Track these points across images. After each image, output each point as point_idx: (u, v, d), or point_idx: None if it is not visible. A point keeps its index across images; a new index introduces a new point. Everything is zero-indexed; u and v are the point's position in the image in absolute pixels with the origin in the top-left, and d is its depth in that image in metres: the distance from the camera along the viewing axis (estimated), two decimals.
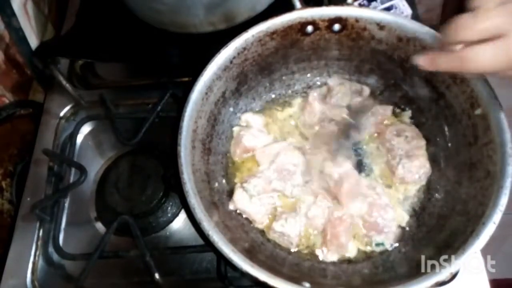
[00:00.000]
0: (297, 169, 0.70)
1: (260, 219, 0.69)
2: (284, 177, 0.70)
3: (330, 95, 0.76)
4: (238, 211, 0.69)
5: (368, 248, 0.67)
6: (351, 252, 0.67)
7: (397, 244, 0.67)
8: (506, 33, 0.44)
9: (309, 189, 0.70)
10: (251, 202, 0.68)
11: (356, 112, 0.73)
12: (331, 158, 0.70)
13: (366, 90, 0.76)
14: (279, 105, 0.78)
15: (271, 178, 0.70)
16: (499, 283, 0.75)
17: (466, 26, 0.46)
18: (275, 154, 0.71)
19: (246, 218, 0.69)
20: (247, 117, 0.76)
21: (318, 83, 0.79)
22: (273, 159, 0.71)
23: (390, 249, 0.66)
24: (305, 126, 0.76)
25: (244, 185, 0.69)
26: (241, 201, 0.68)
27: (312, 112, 0.75)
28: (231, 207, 0.68)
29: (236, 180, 0.72)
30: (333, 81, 0.77)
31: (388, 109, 0.75)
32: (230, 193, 0.70)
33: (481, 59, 0.46)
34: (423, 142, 0.71)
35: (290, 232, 0.66)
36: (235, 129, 0.75)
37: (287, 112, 0.78)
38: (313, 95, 0.76)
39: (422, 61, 0.52)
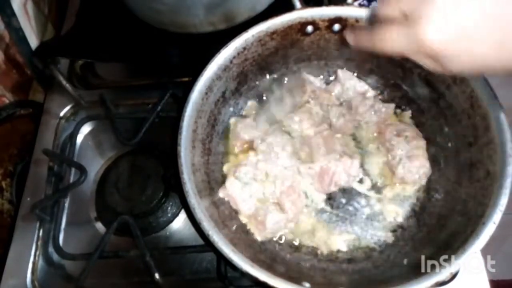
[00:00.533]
0: (284, 152, 0.71)
1: (246, 211, 0.68)
2: (270, 158, 0.70)
3: (335, 84, 0.76)
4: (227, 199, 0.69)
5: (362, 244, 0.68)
6: (340, 246, 0.68)
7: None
8: (410, 16, 0.45)
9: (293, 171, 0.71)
10: (242, 190, 0.68)
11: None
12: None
13: (371, 92, 0.76)
14: None
15: (257, 160, 0.70)
16: (499, 284, 0.75)
17: (389, 1, 0.47)
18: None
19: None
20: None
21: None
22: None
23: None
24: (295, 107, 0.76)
25: (236, 174, 0.69)
26: (232, 189, 0.68)
27: (302, 91, 0.76)
28: (220, 194, 0.68)
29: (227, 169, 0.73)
30: (343, 74, 0.77)
31: (390, 107, 0.75)
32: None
33: (387, 40, 0.48)
34: (423, 142, 0.71)
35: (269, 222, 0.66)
36: (232, 120, 0.75)
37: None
38: (305, 73, 0.77)
39: (348, 36, 0.57)
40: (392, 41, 0.48)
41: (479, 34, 0.43)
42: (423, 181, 0.70)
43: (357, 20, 0.67)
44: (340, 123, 0.73)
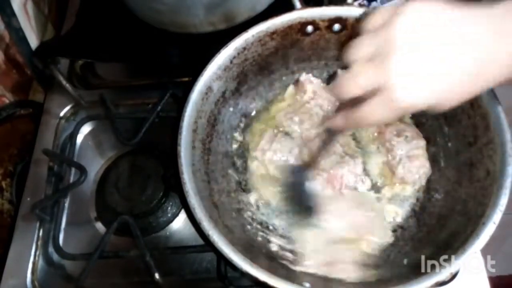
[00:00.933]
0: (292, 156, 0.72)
1: None
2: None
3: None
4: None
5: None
6: None
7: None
8: (380, 88, 0.45)
9: None
10: None
11: None
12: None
13: None
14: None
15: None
16: (500, 280, 0.75)
17: (347, 84, 0.47)
18: None
19: (246, 218, 0.69)
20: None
21: None
22: None
23: None
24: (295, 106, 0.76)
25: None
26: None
27: (303, 91, 0.76)
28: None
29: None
30: (343, 74, 0.76)
31: None
32: (230, 193, 0.70)
33: (369, 116, 0.47)
34: (423, 142, 0.71)
35: None
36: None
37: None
38: (304, 75, 0.77)
39: (328, 124, 0.56)
40: (373, 116, 0.47)
41: (450, 76, 0.44)
42: (423, 181, 0.70)
43: (357, 20, 0.67)
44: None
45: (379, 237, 0.67)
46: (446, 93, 0.45)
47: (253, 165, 0.74)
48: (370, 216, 0.69)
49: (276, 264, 0.63)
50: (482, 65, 0.44)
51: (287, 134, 0.74)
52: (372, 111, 0.47)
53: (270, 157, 0.72)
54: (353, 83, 0.47)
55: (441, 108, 0.46)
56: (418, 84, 0.44)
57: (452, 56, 0.43)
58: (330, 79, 0.79)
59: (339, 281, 0.62)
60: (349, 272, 0.62)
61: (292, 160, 0.71)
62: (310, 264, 0.64)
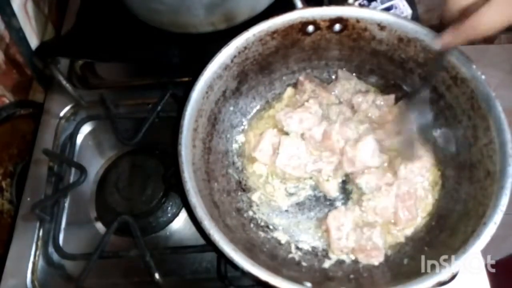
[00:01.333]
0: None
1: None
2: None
3: (335, 84, 0.76)
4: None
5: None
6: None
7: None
8: None
9: None
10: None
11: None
12: None
13: (372, 90, 0.76)
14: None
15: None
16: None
17: None
18: None
19: (246, 217, 0.69)
20: None
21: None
22: None
23: None
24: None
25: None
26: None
27: (302, 90, 0.76)
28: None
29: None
30: (342, 74, 0.77)
31: (391, 98, 0.75)
32: (230, 193, 0.70)
33: (489, 19, 0.48)
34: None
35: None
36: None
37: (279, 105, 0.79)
38: (303, 75, 0.77)
39: (438, 42, 0.56)
40: (493, 19, 0.48)
41: None
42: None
43: (358, 21, 0.67)
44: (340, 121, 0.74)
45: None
46: None
47: (253, 165, 0.74)
48: None
49: (277, 264, 0.63)
50: None
51: (287, 133, 0.75)
52: (491, 13, 0.47)
53: (274, 158, 0.72)
54: None
55: None
56: None
57: None
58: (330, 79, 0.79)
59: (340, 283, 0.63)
60: None
61: (298, 159, 0.72)
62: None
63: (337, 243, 0.66)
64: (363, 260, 0.65)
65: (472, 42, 0.61)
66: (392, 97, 0.75)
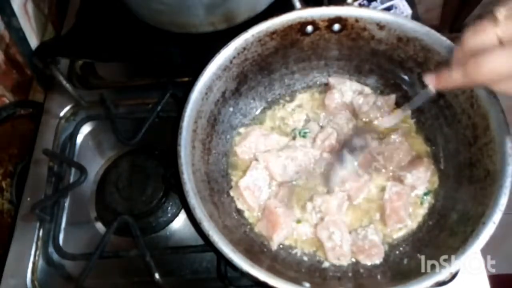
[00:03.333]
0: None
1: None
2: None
3: (331, 92, 0.76)
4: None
5: None
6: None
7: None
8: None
9: None
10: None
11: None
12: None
13: (367, 90, 0.76)
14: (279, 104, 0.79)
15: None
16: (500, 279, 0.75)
17: (485, 29, 0.46)
18: None
19: (246, 218, 0.69)
20: None
21: (318, 83, 0.79)
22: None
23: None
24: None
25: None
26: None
27: (331, 97, 0.76)
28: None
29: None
30: (333, 80, 0.77)
31: (391, 98, 0.74)
32: (230, 193, 0.71)
33: (495, 63, 0.46)
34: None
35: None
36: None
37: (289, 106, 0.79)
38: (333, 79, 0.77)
39: (430, 80, 0.53)
40: (495, 66, 0.46)
41: None
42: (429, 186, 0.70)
43: (357, 20, 0.67)
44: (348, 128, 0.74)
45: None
46: None
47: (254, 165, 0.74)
48: None
49: (276, 264, 0.63)
50: None
51: (287, 134, 0.75)
52: (499, 59, 0.45)
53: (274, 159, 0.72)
54: (493, 30, 0.46)
55: None
56: None
57: None
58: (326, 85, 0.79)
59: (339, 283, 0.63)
60: None
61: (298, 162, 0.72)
62: None
63: (332, 253, 0.65)
64: (365, 261, 0.65)
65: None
66: (392, 97, 0.75)
